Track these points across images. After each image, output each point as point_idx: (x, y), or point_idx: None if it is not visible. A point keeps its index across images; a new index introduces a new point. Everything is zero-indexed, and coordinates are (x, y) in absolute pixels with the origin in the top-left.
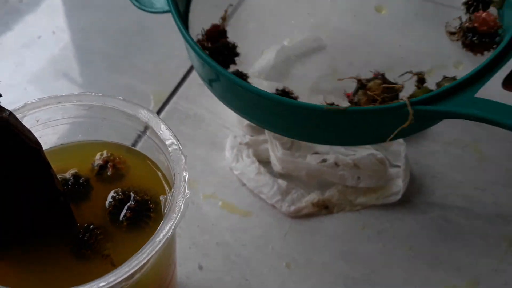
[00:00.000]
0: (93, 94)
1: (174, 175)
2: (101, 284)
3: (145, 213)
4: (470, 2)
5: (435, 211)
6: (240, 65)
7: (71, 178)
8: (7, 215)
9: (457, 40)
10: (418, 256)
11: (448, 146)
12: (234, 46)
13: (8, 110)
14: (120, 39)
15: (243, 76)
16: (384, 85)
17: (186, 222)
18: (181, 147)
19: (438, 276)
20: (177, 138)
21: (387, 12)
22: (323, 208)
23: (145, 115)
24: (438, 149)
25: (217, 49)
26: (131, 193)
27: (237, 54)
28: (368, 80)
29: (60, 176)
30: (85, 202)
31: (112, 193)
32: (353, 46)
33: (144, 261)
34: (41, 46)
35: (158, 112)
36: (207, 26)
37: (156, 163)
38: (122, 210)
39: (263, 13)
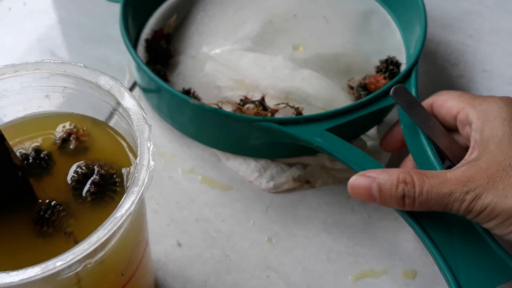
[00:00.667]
0: (52, 61)
1: (138, 146)
2: (58, 263)
3: (110, 187)
4: (380, 68)
5: None
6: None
7: (32, 152)
8: None
9: (352, 94)
10: (404, 227)
11: None
12: (167, 50)
13: None
14: (93, 9)
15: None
16: (255, 110)
17: (164, 198)
18: (145, 116)
19: (425, 248)
20: (141, 107)
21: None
22: (305, 183)
23: (106, 82)
24: None
25: (154, 49)
26: (95, 166)
27: (170, 57)
28: (245, 104)
29: (21, 151)
30: (47, 177)
31: (74, 167)
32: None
33: (105, 237)
34: (12, 18)
35: (134, 85)
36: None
37: (122, 134)
38: (85, 185)
39: None
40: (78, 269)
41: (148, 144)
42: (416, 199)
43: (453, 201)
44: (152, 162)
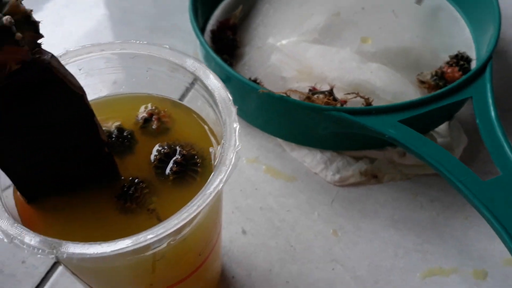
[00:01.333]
0: (138, 42)
1: (224, 127)
2: (149, 236)
3: (191, 167)
4: (450, 63)
5: None
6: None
7: (115, 131)
8: (51, 162)
9: (424, 88)
10: (474, 227)
11: (507, 113)
12: (233, 40)
13: (50, 52)
14: None
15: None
16: (325, 99)
17: (229, 186)
18: (231, 98)
19: (497, 248)
20: (227, 89)
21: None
22: (372, 178)
23: (192, 64)
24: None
25: (220, 40)
26: (177, 147)
27: (236, 47)
28: (314, 94)
29: (104, 129)
30: (129, 156)
31: (157, 147)
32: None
33: (194, 213)
34: (81, 6)
35: None
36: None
37: (202, 116)
38: (168, 164)
39: None
40: (163, 246)
41: (235, 125)
42: None
43: None
44: (238, 143)
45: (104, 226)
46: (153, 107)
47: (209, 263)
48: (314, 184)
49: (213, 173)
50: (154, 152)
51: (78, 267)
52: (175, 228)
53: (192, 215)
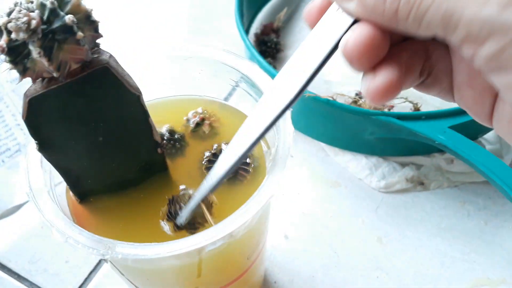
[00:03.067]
0: (191, 44)
1: (277, 129)
2: (202, 239)
3: (242, 167)
4: None
5: None
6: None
7: (167, 133)
8: (104, 161)
9: None
10: None
11: None
12: (277, 43)
13: (108, 52)
14: (205, 1)
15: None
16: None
17: None
18: None
19: None
20: None
21: None
22: (418, 184)
23: (247, 66)
24: None
25: (263, 43)
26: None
27: (279, 51)
28: (361, 97)
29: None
30: (180, 158)
31: (209, 148)
32: None
33: (250, 216)
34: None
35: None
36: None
37: None
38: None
39: None
40: (215, 247)
41: (289, 129)
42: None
43: None
44: (291, 147)
45: (156, 227)
46: (204, 111)
47: (255, 267)
48: (358, 190)
49: (267, 176)
50: (206, 153)
51: (127, 267)
52: (229, 231)
53: (247, 218)
